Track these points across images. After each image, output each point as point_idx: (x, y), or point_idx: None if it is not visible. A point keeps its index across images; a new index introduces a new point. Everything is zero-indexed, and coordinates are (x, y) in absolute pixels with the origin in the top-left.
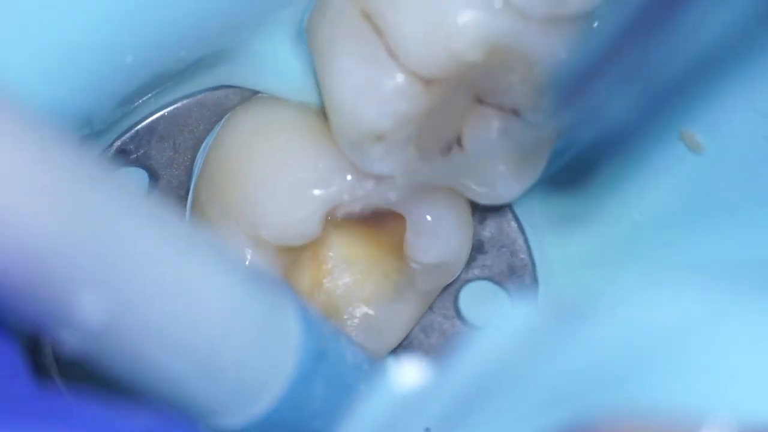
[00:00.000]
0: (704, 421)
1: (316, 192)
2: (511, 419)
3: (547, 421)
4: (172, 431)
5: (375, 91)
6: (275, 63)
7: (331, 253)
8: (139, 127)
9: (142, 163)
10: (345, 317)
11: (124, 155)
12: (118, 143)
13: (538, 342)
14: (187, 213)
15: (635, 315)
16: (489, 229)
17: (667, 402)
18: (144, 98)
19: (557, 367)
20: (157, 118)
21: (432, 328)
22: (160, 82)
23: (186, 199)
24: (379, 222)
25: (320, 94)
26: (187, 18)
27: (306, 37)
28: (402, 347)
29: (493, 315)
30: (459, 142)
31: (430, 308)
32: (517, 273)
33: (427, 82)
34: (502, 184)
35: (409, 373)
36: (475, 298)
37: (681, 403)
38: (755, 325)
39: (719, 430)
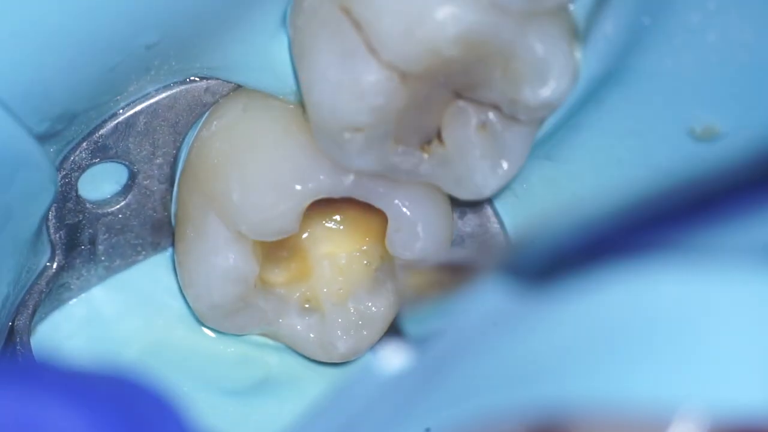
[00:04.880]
0: (677, 414)
1: (297, 187)
2: (473, 394)
3: (511, 399)
4: (138, 394)
5: (353, 86)
6: (256, 56)
7: (311, 248)
8: (118, 121)
9: (121, 158)
10: (326, 314)
11: (103, 150)
12: (97, 138)
13: (510, 324)
14: (172, 207)
15: (609, 304)
16: (470, 224)
17: (640, 391)
18: (126, 89)
19: (527, 349)
20: (136, 113)
21: None
22: (139, 69)
23: (167, 193)
24: (367, 204)
25: (299, 88)
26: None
27: (287, 30)
28: (381, 338)
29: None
30: (439, 136)
31: None
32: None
33: (405, 76)
34: (481, 178)
35: (389, 359)
36: None
37: (655, 392)
38: (733, 316)
39: (692, 422)
